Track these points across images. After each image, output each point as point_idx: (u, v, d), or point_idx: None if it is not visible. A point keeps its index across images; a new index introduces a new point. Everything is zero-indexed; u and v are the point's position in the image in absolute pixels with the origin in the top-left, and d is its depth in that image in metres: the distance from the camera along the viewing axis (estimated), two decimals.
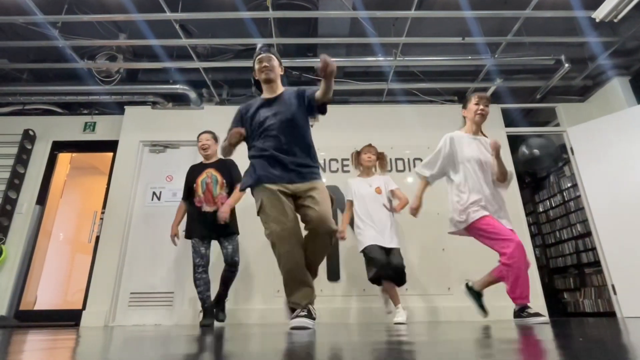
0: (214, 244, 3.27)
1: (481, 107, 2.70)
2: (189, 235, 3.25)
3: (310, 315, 2.00)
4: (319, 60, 4.07)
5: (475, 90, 2.85)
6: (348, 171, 4.20)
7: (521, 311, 2.39)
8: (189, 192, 3.30)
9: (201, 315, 3.18)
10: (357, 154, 3.52)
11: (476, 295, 2.65)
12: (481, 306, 2.66)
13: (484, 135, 2.80)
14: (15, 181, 4.25)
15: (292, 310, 2.08)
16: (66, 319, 3.90)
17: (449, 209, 2.72)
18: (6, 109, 4.62)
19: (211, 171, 3.29)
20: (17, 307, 3.99)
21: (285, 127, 2.21)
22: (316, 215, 2.07)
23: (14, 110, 4.65)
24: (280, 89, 2.37)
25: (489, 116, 4.43)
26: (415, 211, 2.87)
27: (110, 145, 4.48)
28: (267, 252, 3.88)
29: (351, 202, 3.35)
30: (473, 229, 2.53)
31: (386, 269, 3.04)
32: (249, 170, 2.26)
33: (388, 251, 3.13)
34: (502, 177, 2.62)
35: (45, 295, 4.51)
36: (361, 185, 3.35)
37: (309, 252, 2.13)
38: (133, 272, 3.94)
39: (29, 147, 4.45)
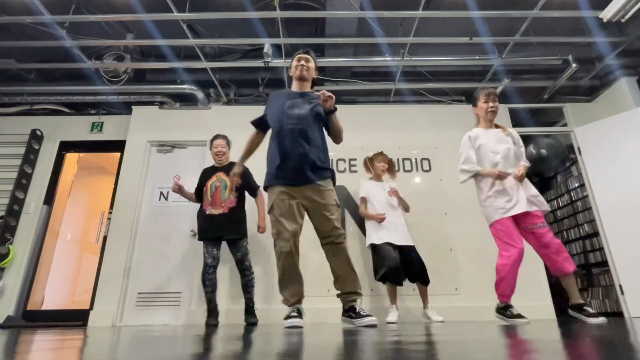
0: (224, 245, 3.33)
1: (491, 104, 2.75)
2: (200, 237, 3.30)
3: (300, 315, 2.14)
4: (327, 60, 4.13)
5: (482, 88, 2.83)
6: (355, 171, 4.21)
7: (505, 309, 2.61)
8: (199, 194, 3.41)
9: (206, 314, 3.22)
10: (371, 160, 3.71)
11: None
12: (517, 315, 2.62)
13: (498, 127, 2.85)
14: (23, 181, 4.25)
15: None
16: (74, 319, 3.90)
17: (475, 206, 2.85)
18: (14, 109, 4.62)
19: (221, 175, 3.35)
20: (24, 307, 3.99)
21: (307, 120, 2.33)
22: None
23: (21, 110, 4.65)
24: (308, 87, 2.53)
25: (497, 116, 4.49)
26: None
27: (118, 145, 4.48)
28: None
29: (363, 199, 3.56)
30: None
31: (396, 268, 3.17)
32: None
33: (403, 249, 3.29)
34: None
35: (52, 295, 4.50)
36: (375, 188, 3.56)
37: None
38: (140, 272, 3.94)
39: (37, 147, 4.45)
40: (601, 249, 4.23)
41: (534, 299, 3.77)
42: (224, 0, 3.66)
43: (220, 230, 3.21)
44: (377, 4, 3.55)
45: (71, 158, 4.74)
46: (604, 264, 4.28)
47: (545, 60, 4.11)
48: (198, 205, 3.44)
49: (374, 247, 3.32)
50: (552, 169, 5.21)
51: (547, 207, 2.62)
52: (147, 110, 4.57)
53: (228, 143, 3.53)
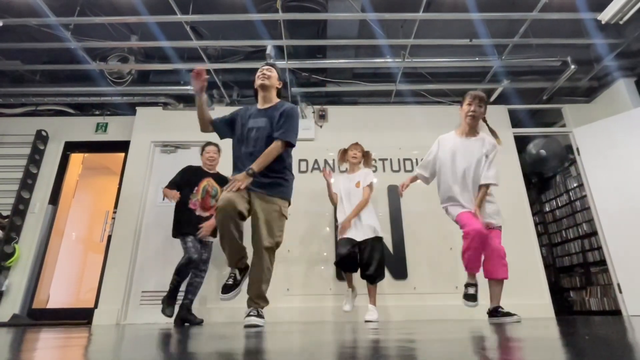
0: None
1: (472, 108, 2.65)
2: (180, 233, 3.38)
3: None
4: (328, 61, 4.17)
5: (472, 91, 2.79)
6: None
7: (495, 311, 2.56)
8: (179, 187, 3.44)
9: (165, 304, 3.27)
10: (344, 151, 3.68)
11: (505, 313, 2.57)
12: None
13: (491, 131, 2.76)
14: (28, 181, 4.30)
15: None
16: (78, 318, 3.94)
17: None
18: (19, 109, 4.66)
19: (212, 182, 3.51)
20: (30, 306, 4.04)
21: (261, 142, 2.41)
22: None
23: (26, 111, 4.70)
24: (273, 101, 2.56)
25: (496, 117, 4.53)
26: (401, 189, 3.09)
27: (122, 146, 4.53)
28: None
29: (335, 195, 3.57)
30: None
31: (345, 262, 3.23)
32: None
33: (359, 245, 3.27)
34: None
35: (57, 293, 4.53)
36: (344, 181, 3.54)
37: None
38: (144, 271, 3.98)
39: (42, 147, 4.50)
40: (599, 248, 4.27)
41: (532, 297, 3.80)
42: (227, 2, 3.69)
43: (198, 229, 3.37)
44: (378, 6, 3.58)
45: (76, 158, 4.79)
46: (602, 262, 4.32)
47: (544, 62, 4.14)
48: None
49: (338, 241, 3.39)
50: (551, 169, 5.25)
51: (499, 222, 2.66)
52: (151, 111, 4.62)
53: (219, 150, 3.71)
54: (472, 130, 2.72)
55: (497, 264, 2.51)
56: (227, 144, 3.87)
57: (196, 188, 3.45)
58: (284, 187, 2.44)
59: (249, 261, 2.41)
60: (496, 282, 2.57)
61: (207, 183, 3.49)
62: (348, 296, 3.39)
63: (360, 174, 3.50)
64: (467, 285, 2.73)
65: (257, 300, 2.30)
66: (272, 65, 2.62)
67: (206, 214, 3.42)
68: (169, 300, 3.25)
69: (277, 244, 2.37)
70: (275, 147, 2.34)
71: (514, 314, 2.46)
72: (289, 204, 2.51)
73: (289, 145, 2.42)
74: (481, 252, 2.55)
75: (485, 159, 2.65)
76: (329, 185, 3.60)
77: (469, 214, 2.58)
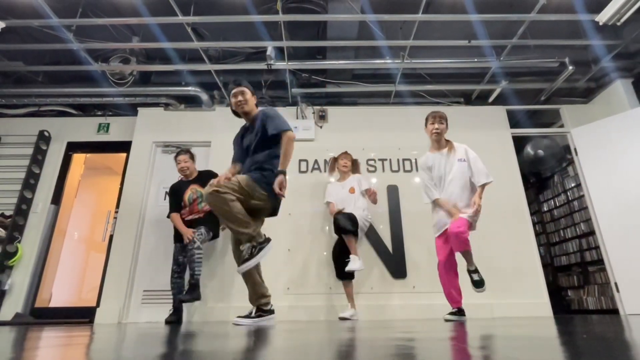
0: None
1: (436, 126, 2.98)
2: (174, 239, 3.59)
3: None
4: (328, 62, 4.21)
5: (431, 111, 3.11)
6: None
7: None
8: (177, 206, 3.63)
9: (170, 312, 3.45)
10: (334, 160, 3.97)
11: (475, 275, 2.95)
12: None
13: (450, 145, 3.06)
14: (31, 181, 4.33)
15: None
16: (80, 316, 3.95)
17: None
18: (22, 110, 4.69)
19: (195, 187, 3.64)
20: (32, 305, 4.06)
21: (253, 151, 2.65)
22: None
23: (29, 111, 4.72)
24: (254, 113, 2.78)
25: (494, 117, 4.57)
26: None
27: (124, 146, 4.56)
28: (275, 250, 3.99)
29: (329, 203, 3.82)
30: None
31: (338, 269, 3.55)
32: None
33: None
34: None
35: (60, 292, 4.57)
36: (337, 189, 3.79)
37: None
38: (146, 270, 4.00)
39: (44, 147, 4.53)
40: (597, 247, 4.30)
41: (530, 296, 3.83)
42: (228, 3, 3.71)
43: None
44: (377, 7, 3.61)
45: (78, 158, 4.82)
46: (599, 262, 4.34)
47: (542, 63, 4.17)
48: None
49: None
50: (549, 169, 5.28)
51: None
52: (152, 112, 4.65)
53: (192, 157, 3.79)
54: (440, 145, 3.04)
55: (455, 241, 2.75)
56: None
57: (182, 202, 3.61)
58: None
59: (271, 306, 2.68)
60: (462, 253, 2.83)
61: (191, 191, 3.65)
62: (347, 308, 3.53)
63: (353, 180, 3.74)
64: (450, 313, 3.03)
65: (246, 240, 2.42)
66: (240, 85, 2.74)
67: (195, 217, 3.56)
68: (173, 310, 3.45)
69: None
70: (285, 141, 2.54)
71: (481, 280, 2.89)
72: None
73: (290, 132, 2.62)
74: (453, 280, 2.94)
75: (460, 162, 2.91)
76: (331, 212, 3.72)
77: (438, 241, 2.98)
